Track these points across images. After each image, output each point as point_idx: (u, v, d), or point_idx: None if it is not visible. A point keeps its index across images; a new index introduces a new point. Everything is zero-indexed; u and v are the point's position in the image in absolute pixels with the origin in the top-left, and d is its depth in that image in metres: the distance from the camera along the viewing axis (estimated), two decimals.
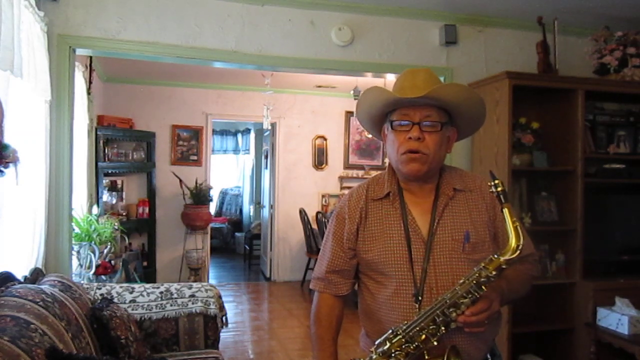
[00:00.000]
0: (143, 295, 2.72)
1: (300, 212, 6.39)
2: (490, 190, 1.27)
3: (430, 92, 1.33)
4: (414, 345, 1.26)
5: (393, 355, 1.26)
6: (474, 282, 1.23)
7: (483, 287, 1.23)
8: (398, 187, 1.47)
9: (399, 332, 1.27)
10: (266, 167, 7.45)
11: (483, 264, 1.24)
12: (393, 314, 1.39)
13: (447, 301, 1.25)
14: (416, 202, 1.45)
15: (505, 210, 1.24)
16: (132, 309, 2.63)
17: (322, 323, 1.50)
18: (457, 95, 1.38)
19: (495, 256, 1.24)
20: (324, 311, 1.51)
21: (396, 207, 1.45)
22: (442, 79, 3.61)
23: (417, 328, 1.26)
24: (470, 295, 1.23)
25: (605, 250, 3.38)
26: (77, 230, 3.40)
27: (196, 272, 6.24)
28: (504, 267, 1.23)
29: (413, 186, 1.46)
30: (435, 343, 1.25)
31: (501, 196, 1.25)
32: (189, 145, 6.58)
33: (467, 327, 1.24)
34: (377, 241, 1.44)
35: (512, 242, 1.22)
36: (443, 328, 1.25)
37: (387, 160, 7.53)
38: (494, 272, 1.23)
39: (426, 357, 1.27)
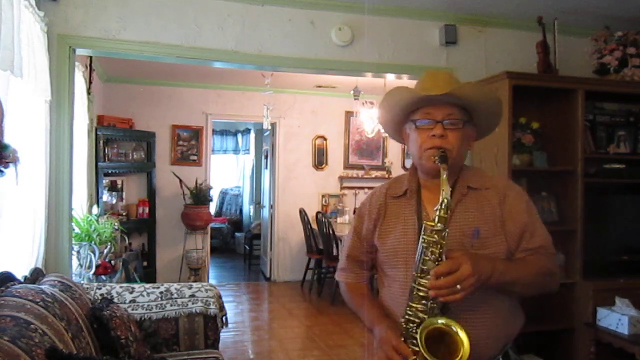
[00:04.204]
0: (143, 295, 2.72)
1: (300, 212, 6.39)
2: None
3: (453, 90, 1.38)
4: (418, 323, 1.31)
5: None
6: (426, 246, 1.29)
7: (436, 250, 1.27)
8: (417, 185, 1.52)
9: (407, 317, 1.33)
10: (266, 167, 7.45)
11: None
12: (402, 307, 1.40)
13: (415, 272, 1.31)
14: (431, 199, 1.47)
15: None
16: (132, 309, 2.63)
17: (355, 295, 1.60)
18: (479, 94, 1.43)
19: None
20: (352, 289, 1.62)
21: (412, 204, 1.49)
22: None
23: (414, 310, 1.31)
24: (429, 256, 1.28)
25: (605, 250, 3.38)
26: (77, 230, 3.40)
27: (196, 272, 6.23)
28: (435, 228, 1.28)
29: (431, 183, 1.48)
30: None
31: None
32: (189, 145, 6.58)
33: (439, 295, 1.23)
34: (392, 234, 1.50)
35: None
36: (430, 303, 1.28)
37: (387, 160, 7.54)
38: (433, 234, 1.29)
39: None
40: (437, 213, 1.30)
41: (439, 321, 1.27)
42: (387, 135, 6.30)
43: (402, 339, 1.32)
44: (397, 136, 1.60)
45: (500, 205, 1.44)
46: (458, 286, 1.22)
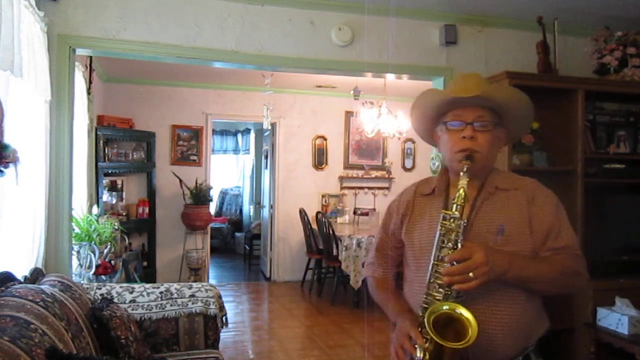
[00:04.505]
0: (143, 295, 2.72)
1: (300, 212, 6.39)
2: None
3: (484, 93, 1.42)
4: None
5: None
6: (443, 234, 1.35)
7: (452, 237, 1.32)
8: (446, 184, 1.56)
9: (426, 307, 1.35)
10: (266, 167, 7.45)
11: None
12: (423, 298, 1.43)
13: (432, 260, 1.35)
14: None
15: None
16: (132, 309, 2.63)
17: (381, 290, 1.65)
18: (509, 97, 1.47)
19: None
20: (379, 284, 1.67)
21: (440, 201, 1.53)
22: (441, 79, 3.62)
23: (431, 297, 1.34)
24: (445, 243, 1.33)
25: (605, 250, 3.38)
26: (77, 230, 3.40)
27: (196, 272, 6.24)
28: (452, 215, 1.33)
29: None
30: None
31: None
32: (189, 145, 6.58)
33: (452, 282, 1.27)
34: (418, 230, 1.55)
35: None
36: (445, 290, 1.31)
37: (387, 160, 7.54)
38: (450, 222, 1.34)
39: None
40: (454, 201, 1.35)
41: (444, 307, 1.30)
42: (386, 135, 6.23)
43: (420, 328, 1.33)
44: (428, 138, 1.64)
45: (528, 206, 1.46)
46: (471, 274, 1.25)
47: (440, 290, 1.32)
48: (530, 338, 1.45)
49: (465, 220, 1.35)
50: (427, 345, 1.28)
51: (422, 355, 1.28)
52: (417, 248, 1.52)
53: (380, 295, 1.65)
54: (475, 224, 1.44)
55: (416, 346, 1.30)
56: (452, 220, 1.34)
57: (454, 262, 1.28)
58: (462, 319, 1.27)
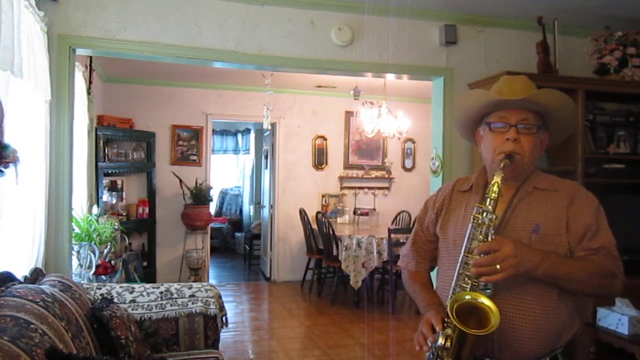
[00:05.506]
0: (143, 295, 2.72)
1: (300, 212, 6.39)
2: None
3: (531, 96, 1.43)
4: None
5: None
6: (475, 226, 1.35)
7: (483, 230, 1.33)
8: (484, 182, 1.56)
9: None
10: (266, 167, 7.45)
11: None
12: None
13: (463, 252, 1.36)
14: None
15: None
16: (132, 309, 2.63)
17: (414, 282, 1.66)
18: (555, 101, 1.47)
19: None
20: (413, 276, 1.68)
21: (476, 198, 1.53)
22: (442, 79, 3.62)
23: (459, 288, 1.36)
24: (476, 236, 1.34)
25: None
26: (77, 230, 3.40)
27: (196, 272, 6.24)
28: (485, 209, 1.34)
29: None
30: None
31: None
32: (189, 145, 6.58)
33: (479, 273, 1.29)
34: (452, 224, 1.56)
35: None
36: (473, 282, 1.33)
37: (387, 160, 7.52)
38: (483, 215, 1.35)
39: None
40: (487, 195, 1.36)
41: (467, 297, 1.31)
42: (386, 135, 6.20)
43: (445, 318, 1.34)
44: (470, 137, 1.65)
45: (567, 208, 1.45)
46: (498, 266, 1.26)
47: (468, 281, 1.34)
48: (560, 339, 1.44)
49: (496, 215, 1.36)
50: (449, 332, 1.30)
51: (443, 341, 1.29)
52: (450, 242, 1.53)
53: (412, 288, 1.66)
54: (510, 221, 1.45)
55: (439, 333, 1.31)
56: (484, 213, 1.35)
57: (483, 255, 1.29)
58: (485, 308, 1.28)
